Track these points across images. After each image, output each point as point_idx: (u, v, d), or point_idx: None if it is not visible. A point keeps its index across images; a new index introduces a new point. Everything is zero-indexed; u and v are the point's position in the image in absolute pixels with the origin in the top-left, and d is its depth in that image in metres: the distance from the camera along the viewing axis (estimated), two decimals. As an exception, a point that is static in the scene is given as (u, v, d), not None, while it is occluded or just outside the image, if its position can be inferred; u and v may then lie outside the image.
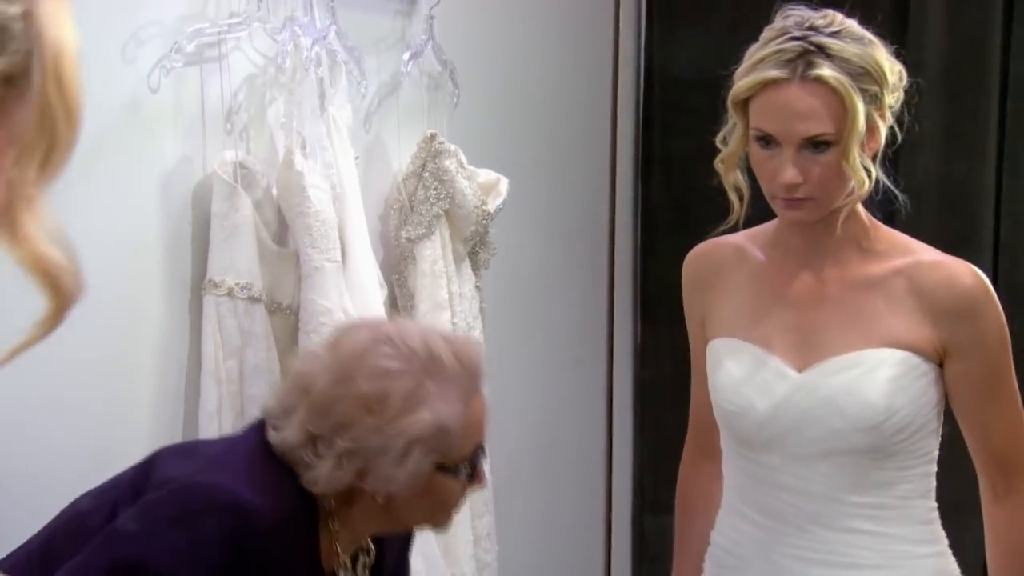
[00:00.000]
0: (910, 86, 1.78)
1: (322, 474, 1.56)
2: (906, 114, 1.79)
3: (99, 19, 1.94)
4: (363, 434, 1.54)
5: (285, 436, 1.58)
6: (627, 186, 3.38)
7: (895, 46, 1.77)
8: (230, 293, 2.06)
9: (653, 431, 3.34)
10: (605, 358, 3.38)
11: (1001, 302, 2.92)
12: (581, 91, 3.23)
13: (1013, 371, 1.81)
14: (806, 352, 1.80)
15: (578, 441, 3.32)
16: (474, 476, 1.65)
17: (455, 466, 1.61)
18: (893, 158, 3.01)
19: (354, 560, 1.73)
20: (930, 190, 3.00)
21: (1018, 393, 1.82)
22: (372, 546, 1.76)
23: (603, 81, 3.31)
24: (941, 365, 1.79)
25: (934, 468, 1.85)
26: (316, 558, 1.62)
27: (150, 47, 2.01)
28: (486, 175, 2.59)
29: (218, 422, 2.03)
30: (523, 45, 2.98)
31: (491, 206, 2.57)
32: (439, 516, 1.68)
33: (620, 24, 3.32)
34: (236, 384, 2.10)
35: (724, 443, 1.92)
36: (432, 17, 2.53)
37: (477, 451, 1.64)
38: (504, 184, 2.60)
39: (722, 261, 1.92)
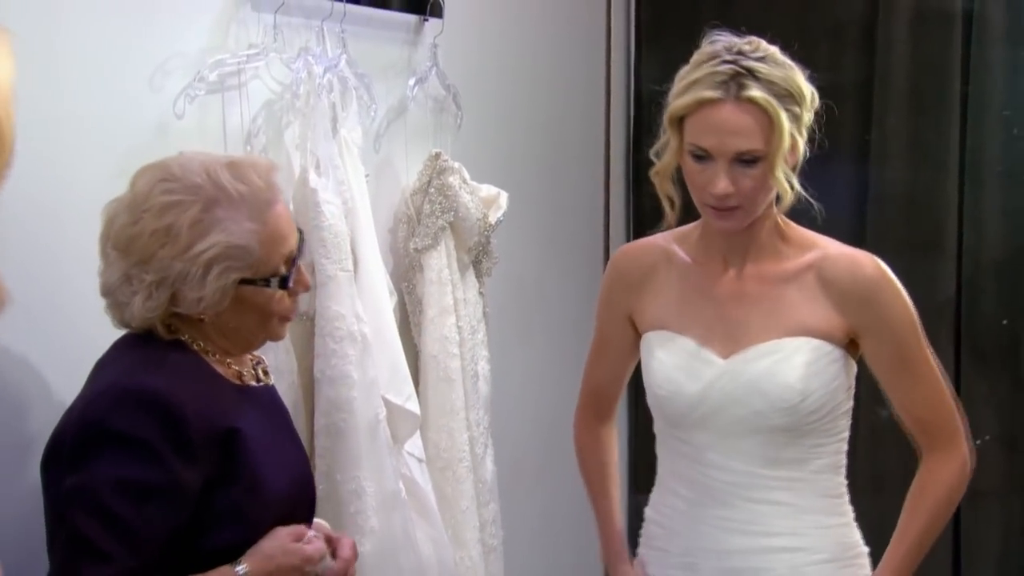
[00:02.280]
0: (822, 107, 1.81)
1: (137, 307, 1.59)
2: (816, 132, 1.81)
3: (128, 52, 1.96)
4: (163, 264, 1.57)
5: (107, 279, 1.61)
6: (620, 197, 3.39)
7: (810, 70, 1.79)
8: (251, 301, 2.06)
9: (646, 422, 3.32)
10: (601, 356, 3.37)
11: (964, 304, 2.96)
12: (576, 111, 3.24)
13: (924, 345, 1.84)
14: (730, 342, 1.84)
15: (577, 433, 3.32)
16: (290, 283, 1.67)
17: (265, 279, 1.63)
18: (862, 169, 3.05)
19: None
20: (897, 199, 3.00)
21: (932, 365, 1.85)
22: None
23: (596, 101, 3.31)
24: (853, 347, 1.83)
25: (845, 447, 1.89)
26: (218, 380, 1.64)
27: (175, 77, 2.02)
28: (487, 190, 2.60)
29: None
30: (521, 69, 2.99)
31: (492, 218, 2.58)
32: (268, 325, 1.69)
33: (612, 49, 3.32)
34: (258, 384, 2.10)
35: (657, 427, 1.96)
36: (436, 46, 2.54)
37: (289, 261, 1.67)
38: (504, 198, 2.61)
39: (649, 263, 1.95)
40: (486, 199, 2.58)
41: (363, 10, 2.37)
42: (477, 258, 2.61)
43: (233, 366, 1.69)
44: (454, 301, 2.50)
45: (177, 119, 2.00)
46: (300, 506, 1.72)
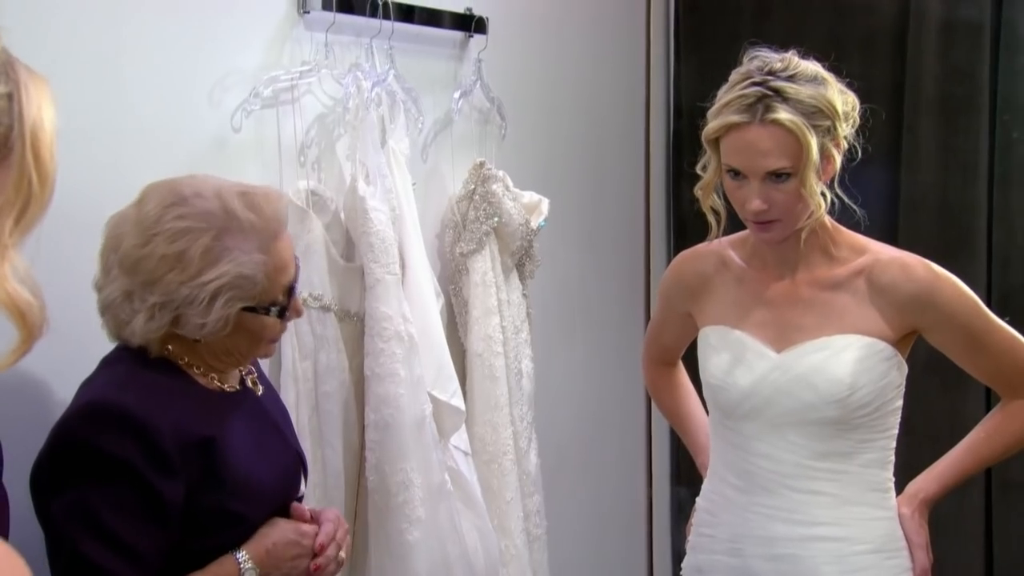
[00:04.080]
0: (864, 111, 1.81)
1: (138, 326, 1.55)
2: (861, 138, 1.82)
3: (188, 70, 2.01)
4: (170, 288, 1.54)
5: (107, 294, 1.58)
6: (660, 203, 3.39)
7: (848, 79, 1.80)
8: (304, 303, 2.08)
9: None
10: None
11: (993, 305, 2.92)
12: (616, 121, 3.24)
13: (991, 317, 1.84)
14: (783, 340, 1.86)
15: (620, 427, 3.33)
16: (286, 311, 1.66)
17: (265, 307, 1.62)
18: (894, 174, 3.03)
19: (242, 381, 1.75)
20: (928, 202, 2.97)
21: (1004, 329, 1.85)
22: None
23: (636, 112, 3.32)
24: (903, 346, 1.84)
25: (893, 443, 1.88)
26: (195, 391, 1.62)
27: (233, 93, 2.06)
28: (529, 196, 2.62)
29: (295, 415, 2.06)
30: (562, 82, 3.00)
31: (534, 223, 2.60)
32: (258, 347, 1.68)
33: (651, 61, 3.32)
34: (311, 382, 2.14)
35: (711, 417, 1.99)
36: (480, 60, 2.57)
37: (287, 291, 1.66)
38: (545, 204, 2.63)
39: (705, 270, 1.99)
40: (528, 205, 2.61)
41: (411, 28, 2.41)
42: (520, 261, 2.63)
43: (216, 381, 1.67)
44: (498, 302, 2.53)
45: (235, 132, 2.05)
46: (287, 499, 1.71)
